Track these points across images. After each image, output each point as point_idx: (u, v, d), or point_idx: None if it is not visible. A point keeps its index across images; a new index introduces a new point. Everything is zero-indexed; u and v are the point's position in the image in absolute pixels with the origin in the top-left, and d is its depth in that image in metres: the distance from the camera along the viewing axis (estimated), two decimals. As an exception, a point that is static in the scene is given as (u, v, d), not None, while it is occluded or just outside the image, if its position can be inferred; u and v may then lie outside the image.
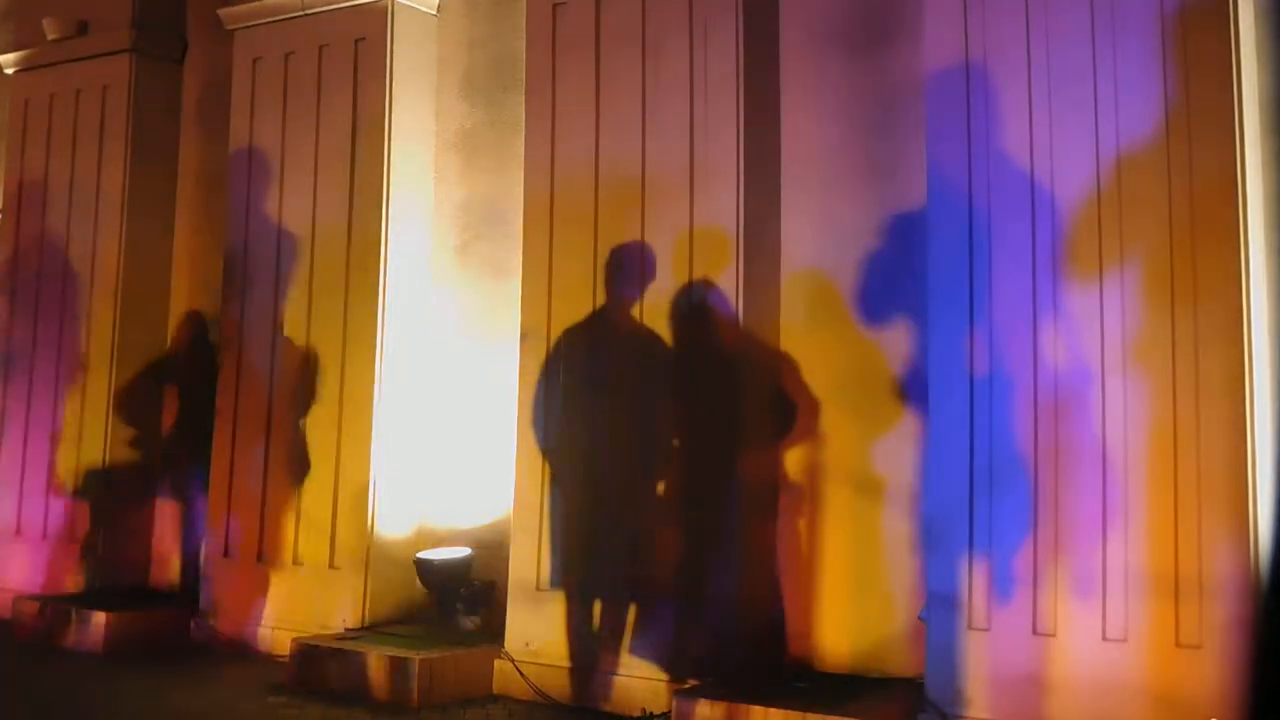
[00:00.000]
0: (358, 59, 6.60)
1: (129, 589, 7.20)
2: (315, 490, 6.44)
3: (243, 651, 6.44)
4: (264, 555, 6.54)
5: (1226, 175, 4.24)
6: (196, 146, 7.61)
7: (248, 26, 7.02)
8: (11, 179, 8.01)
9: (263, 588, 6.51)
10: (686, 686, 4.99)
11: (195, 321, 7.45)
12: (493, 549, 6.07)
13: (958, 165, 4.69)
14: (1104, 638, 4.28)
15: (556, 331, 5.67)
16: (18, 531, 7.55)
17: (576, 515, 5.51)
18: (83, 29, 7.75)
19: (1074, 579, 4.34)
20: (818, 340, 5.36)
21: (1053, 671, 4.36)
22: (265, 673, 5.98)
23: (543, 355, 5.68)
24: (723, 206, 5.31)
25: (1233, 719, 4.05)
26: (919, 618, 4.78)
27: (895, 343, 5.18)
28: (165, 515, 7.40)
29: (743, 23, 5.37)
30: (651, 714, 5.08)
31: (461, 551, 6.08)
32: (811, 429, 5.33)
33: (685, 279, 5.36)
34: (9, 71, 8.10)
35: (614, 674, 5.30)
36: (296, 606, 6.38)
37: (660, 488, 5.31)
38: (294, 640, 5.87)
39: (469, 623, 5.96)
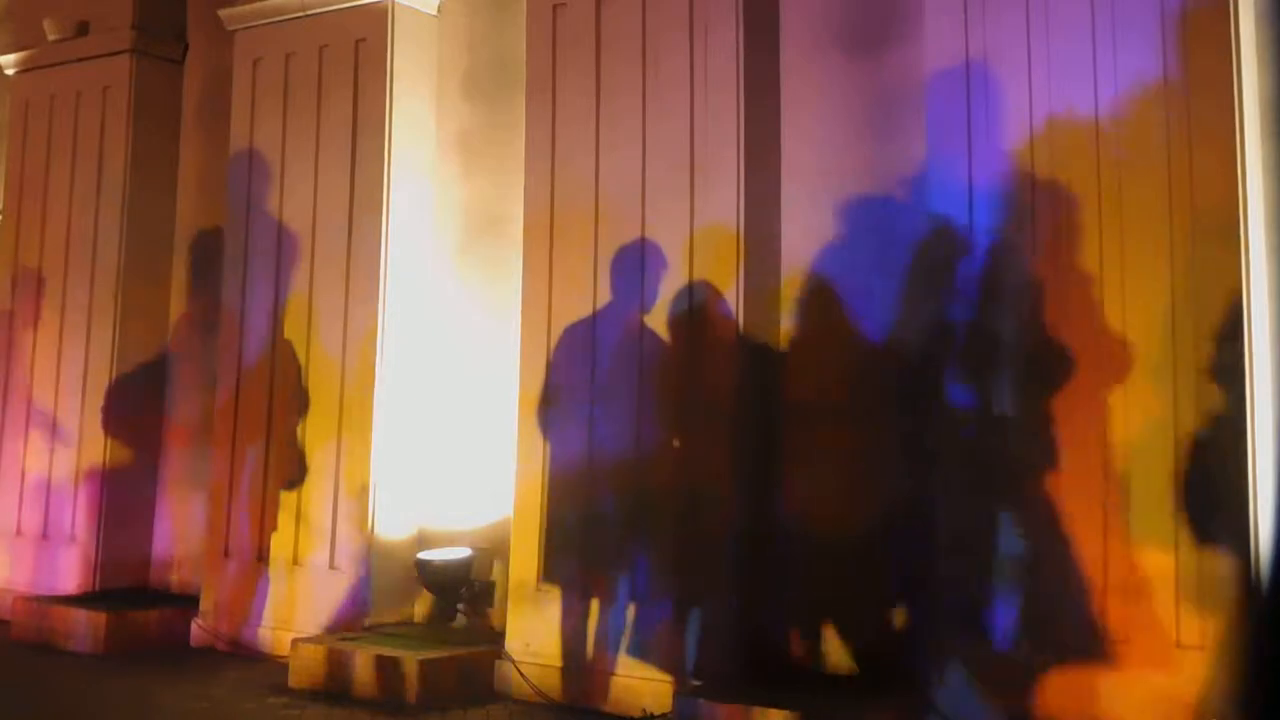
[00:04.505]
0: (358, 59, 6.60)
1: (129, 589, 7.20)
2: (315, 490, 6.45)
3: (243, 651, 6.44)
4: (264, 555, 6.55)
5: (1227, 175, 4.25)
6: (197, 147, 7.61)
7: (248, 27, 7.02)
8: (12, 180, 8.01)
9: (263, 588, 6.52)
10: (686, 687, 4.98)
11: (195, 321, 7.44)
12: (493, 549, 6.07)
13: (958, 165, 4.69)
14: (1104, 638, 4.29)
15: (557, 331, 5.66)
16: (18, 531, 7.56)
17: (576, 516, 5.50)
18: (83, 30, 7.75)
19: (1073, 579, 4.35)
20: (818, 341, 5.36)
21: (1051, 671, 4.36)
22: (265, 673, 5.99)
23: (543, 355, 5.69)
24: (724, 206, 5.31)
25: (1233, 719, 4.05)
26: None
27: (896, 342, 5.17)
28: (165, 515, 7.41)
29: (743, 22, 5.37)
30: (652, 714, 5.08)
31: (461, 552, 6.08)
32: (812, 429, 5.32)
33: (686, 279, 5.36)
34: (10, 72, 8.11)
35: (614, 674, 5.29)
36: (296, 606, 6.39)
37: (660, 488, 5.31)
38: (294, 640, 5.87)
39: (469, 623, 5.96)
